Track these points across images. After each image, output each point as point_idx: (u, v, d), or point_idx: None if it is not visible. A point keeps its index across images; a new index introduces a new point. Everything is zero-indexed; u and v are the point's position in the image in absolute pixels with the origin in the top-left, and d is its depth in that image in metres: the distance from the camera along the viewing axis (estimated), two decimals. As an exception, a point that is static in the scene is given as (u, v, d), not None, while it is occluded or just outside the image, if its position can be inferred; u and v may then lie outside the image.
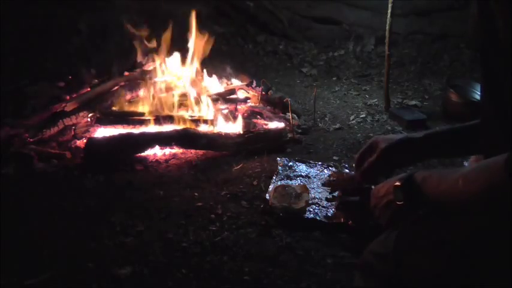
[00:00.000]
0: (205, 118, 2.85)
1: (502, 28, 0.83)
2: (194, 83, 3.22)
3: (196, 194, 2.17)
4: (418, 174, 1.01)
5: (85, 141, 2.54)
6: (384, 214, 1.11)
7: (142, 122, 2.80)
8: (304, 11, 5.12)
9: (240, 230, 1.90)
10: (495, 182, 0.83)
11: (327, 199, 1.87)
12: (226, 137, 2.61)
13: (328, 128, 3.01)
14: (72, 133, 2.73)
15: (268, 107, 3.12)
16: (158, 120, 2.79)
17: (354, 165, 1.42)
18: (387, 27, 3.08)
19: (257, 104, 3.18)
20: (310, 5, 5.10)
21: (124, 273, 1.63)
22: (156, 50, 3.31)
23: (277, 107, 3.10)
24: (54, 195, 2.14)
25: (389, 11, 3.04)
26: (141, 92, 3.15)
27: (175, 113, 2.92)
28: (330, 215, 1.92)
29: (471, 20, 4.25)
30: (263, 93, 3.23)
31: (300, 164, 2.35)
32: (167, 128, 2.74)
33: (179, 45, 3.32)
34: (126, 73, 3.29)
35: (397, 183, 1.04)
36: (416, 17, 4.97)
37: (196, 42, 3.24)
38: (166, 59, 3.31)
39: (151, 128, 2.75)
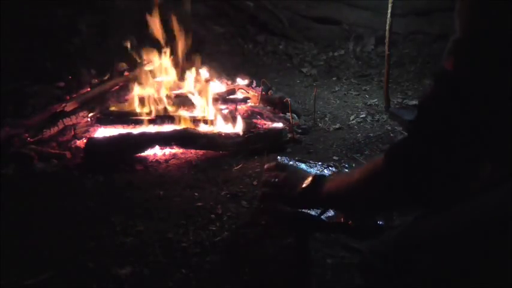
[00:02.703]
0: (205, 118, 2.85)
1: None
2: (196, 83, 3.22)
3: (196, 194, 2.17)
4: (328, 176, 1.03)
5: (85, 141, 2.55)
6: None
7: (142, 122, 2.80)
8: (304, 11, 5.12)
9: (240, 230, 1.90)
10: (375, 172, 0.87)
11: None
12: (226, 137, 2.61)
13: (328, 128, 3.01)
14: (72, 133, 2.73)
15: (268, 107, 3.12)
16: (158, 120, 2.79)
17: None
18: (387, 27, 3.08)
19: (257, 104, 3.18)
20: (310, 5, 5.10)
21: (124, 273, 1.63)
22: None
23: (277, 107, 3.10)
24: (54, 195, 2.14)
25: (389, 11, 3.04)
26: (141, 92, 3.15)
27: (176, 112, 2.92)
28: (330, 215, 1.92)
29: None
30: (263, 93, 3.23)
31: (300, 163, 2.34)
32: (167, 128, 2.74)
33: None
34: (126, 73, 3.29)
35: (308, 183, 1.05)
36: (416, 17, 4.97)
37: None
38: (166, 59, 3.31)
39: (151, 128, 2.76)
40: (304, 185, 1.04)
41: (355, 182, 0.93)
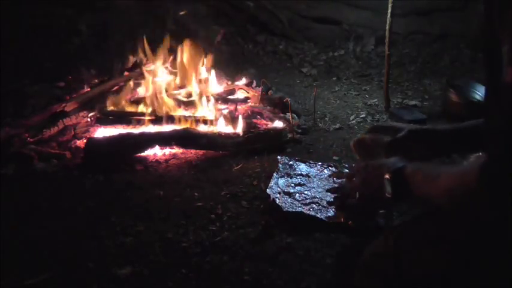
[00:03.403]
0: (205, 118, 2.85)
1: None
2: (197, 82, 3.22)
3: (196, 194, 2.17)
4: (408, 168, 1.02)
5: (85, 141, 2.54)
6: (369, 197, 1.13)
7: (143, 122, 2.80)
8: (304, 11, 5.12)
9: (240, 230, 1.90)
10: (465, 190, 0.85)
11: (328, 202, 1.87)
12: (226, 137, 2.61)
13: (328, 128, 3.01)
14: (72, 133, 2.73)
15: (268, 107, 3.12)
16: (158, 120, 2.79)
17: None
18: (387, 27, 3.08)
19: (257, 104, 3.17)
20: (310, 5, 5.10)
21: (124, 273, 1.63)
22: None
23: (277, 107, 3.10)
24: (54, 195, 2.14)
25: (389, 11, 3.04)
26: (142, 92, 3.15)
27: (176, 112, 2.91)
28: (330, 215, 1.92)
29: (475, 20, 4.23)
30: (263, 93, 3.23)
31: (300, 163, 2.35)
32: (167, 128, 2.74)
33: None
34: (126, 73, 3.29)
35: (387, 176, 1.04)
36: (416, 17, 4.97)
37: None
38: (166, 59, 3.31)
39: (151, 128, 2.76)
40: (387, 190, 1.04)
41: (439, 189, 0.91)
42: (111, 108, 2.95)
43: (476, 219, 0.89)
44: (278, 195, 2.03)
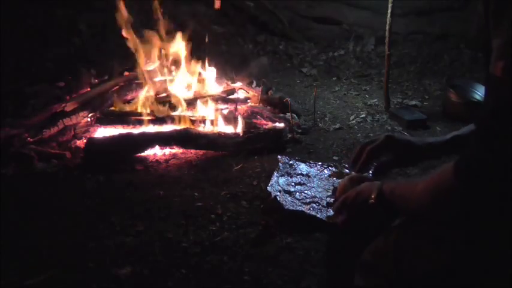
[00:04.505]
0: (205, 118, 2.85)
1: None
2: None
3: (196, 194, 2.17)
4: (386, 187, 1.04)
5: (85, 141, 2.55)
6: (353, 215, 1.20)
7: (142, 122, 2.80)
8: (304, 11, 5.12)
9: (240, 230, 1.90)
10: (444, 186, 0.86)
11: (327, 203, 1.87)
12: (226, 137, 2.61)
13: (328, 128, 3.01)
14: (72, 133, 2.73)
15: (268, 107, 3.12)
16: (158, 120, 2.78)
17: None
18: (387, 27, 3.08)
19: (257, 104, 3.17)
20: (310, 5, 5.10)
21: (124, 273, 1.63)
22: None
23: (277, 107, 3.10)
24: (54, 195, 2.14)
25: (389, 11, 3.04)
26: (142, 92, 3.14)
27: (175, 113, 2.91)
28: (330, 215, 1.92)
29: (475, 19, 4.22)
30: (263, 93, 3.23)
31: (300, 163, 2.35)
32: (167, 128, 2.74)
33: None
34: (126, 73, 3.28)
35: (372, 201, 1.07)
36: (416, 17, 4.97)
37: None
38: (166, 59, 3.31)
39: (151, 128, 2.75)
40: (371, 202, 1.07)
41: (417, 196, 0.93)
42: (111, 108, 2.95)
43: (459, 215, 0.89)
44: (279, 193, 2.02)
